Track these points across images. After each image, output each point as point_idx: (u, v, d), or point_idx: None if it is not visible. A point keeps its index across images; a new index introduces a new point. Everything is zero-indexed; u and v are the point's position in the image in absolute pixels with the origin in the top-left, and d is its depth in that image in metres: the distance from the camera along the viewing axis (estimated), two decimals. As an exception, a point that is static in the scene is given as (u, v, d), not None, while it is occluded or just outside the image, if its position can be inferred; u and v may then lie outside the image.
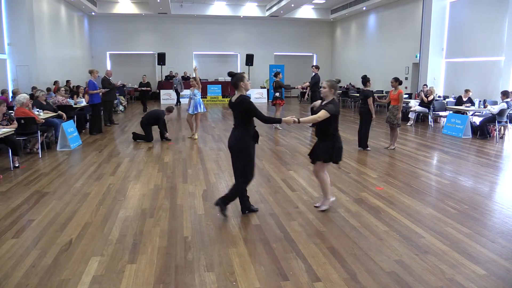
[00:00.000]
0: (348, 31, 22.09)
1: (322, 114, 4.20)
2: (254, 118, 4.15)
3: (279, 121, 4.19)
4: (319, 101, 4.67)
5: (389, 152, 7.84)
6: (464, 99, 10.95)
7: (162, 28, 21.82)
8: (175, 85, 18.04)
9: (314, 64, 11.25)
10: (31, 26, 13.07)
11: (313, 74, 11.15)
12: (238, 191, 4.30)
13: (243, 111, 4.05)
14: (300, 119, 4.22)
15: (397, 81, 7.86)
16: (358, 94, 16.00)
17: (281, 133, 10.17)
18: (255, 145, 4.25)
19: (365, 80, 7.82)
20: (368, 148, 8.03)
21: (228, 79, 21.15)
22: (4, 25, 12.59)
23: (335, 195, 5.15)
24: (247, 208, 4.47)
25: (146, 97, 15.86)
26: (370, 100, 7.67)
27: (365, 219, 4.35)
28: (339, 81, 4.58)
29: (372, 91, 7.89)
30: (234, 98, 4.12)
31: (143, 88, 15.67)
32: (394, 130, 8.06)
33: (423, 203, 4.88)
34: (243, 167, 4.17)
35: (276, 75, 11.39)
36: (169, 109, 9.38)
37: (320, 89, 4.50)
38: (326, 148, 4.35)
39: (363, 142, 8.04)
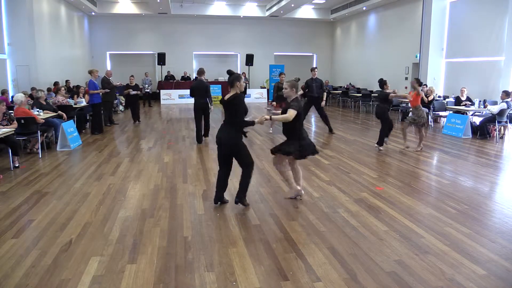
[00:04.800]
0: (348, 31, 22.09)
1: (292, 113, 4.39)
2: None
3: (252, 123, 4.36)
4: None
5: (389, 152, 7.83)
6: (462, 98, 10.94)
7: (162, 28, 21.81)
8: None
9: (315, 66, 10.73)
10: (31, 26, 13.06)
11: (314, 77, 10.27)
12: (249, 178, 4.55)
13: (235, 109, 4.28)
14: (272, 116, 4.50)
15: (417, 82, 7.91)
16: (360, 95, 16.12)
17: (281, 133, 10.14)
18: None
19: (382, 83, 7.85)
20: (381, 148, 7.94)
21: (228, 79, 21.44)
22: (4, 25, 12.59)
23: (333, 194, 5.15)
24: (220, 199, 4.75)
25: (136, 103, 12.35)
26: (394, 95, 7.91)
27: (365, 219, 4.35)
28: (298, 79, 4.74)
29: (389, 92, 7.92)
30: (227, 96, 4.33)
31: (132, 92, 12.04)
32: (421, 131, 7.94)
33: (423, 203, 4.88)
34: (244, 158, 4.46)
35: (279, 75, 11.23)
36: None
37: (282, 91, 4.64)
38: (294, 146, 4.55)
39: (379, 140, 8.01)
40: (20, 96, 7.59)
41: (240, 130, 4.39)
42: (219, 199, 4.74)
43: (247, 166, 4.51)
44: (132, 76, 12.75)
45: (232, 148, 4.42)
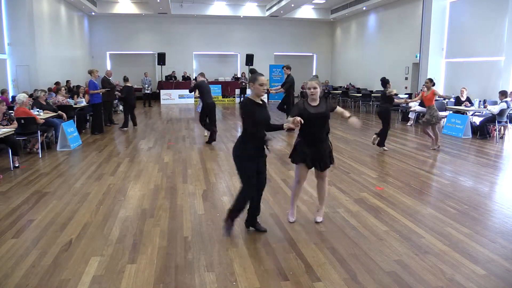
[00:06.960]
0: (348, 31, 22.09)
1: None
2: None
3: (280, 127, 3.69)
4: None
5: (389, 152, 7.82)
6: (462, 99, 10.94)
7: (162, 28, 21.81)
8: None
9: (286, 64, 11.15)
10: (31, 26, 13.06)
11: (286, 75, 10.50)
12: (240, 203, 3.75)
13: (242, 117, 3.64)
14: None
15: (431, 82, 8.07)
16: (360, 95, 16.13)
17: (280, 133, 10.15)
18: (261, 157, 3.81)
19: (385, 82, 7.80)
20: (385, 148, 7.92)
21: (228, 79, 21.44)
22: (4, 25, 12.59)
23: (333, 194, 5.15)
24: (251, 224, 4.02)
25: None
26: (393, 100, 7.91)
27: (365, 219, 4.35)
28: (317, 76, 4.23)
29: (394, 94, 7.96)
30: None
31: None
32: (434, 129, 8.14)
33: (423, 203, 4.88)
34: (240, 176, 3.73)
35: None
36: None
37: (312, 90, 3.85)
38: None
39: (381, 141, 7.97)
40: (22, 96, 7.61)
41: (247, 141, 3.63)
42: (251, 223, 4.00)
43: (242, 188, 3.73)
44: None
45: (234, 160, 3.75)
